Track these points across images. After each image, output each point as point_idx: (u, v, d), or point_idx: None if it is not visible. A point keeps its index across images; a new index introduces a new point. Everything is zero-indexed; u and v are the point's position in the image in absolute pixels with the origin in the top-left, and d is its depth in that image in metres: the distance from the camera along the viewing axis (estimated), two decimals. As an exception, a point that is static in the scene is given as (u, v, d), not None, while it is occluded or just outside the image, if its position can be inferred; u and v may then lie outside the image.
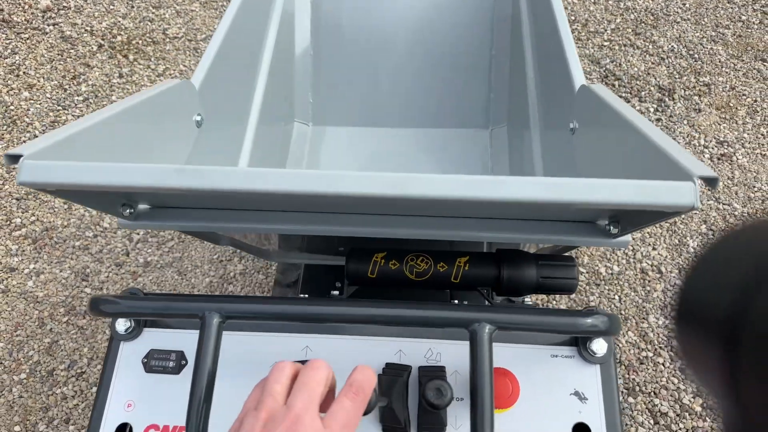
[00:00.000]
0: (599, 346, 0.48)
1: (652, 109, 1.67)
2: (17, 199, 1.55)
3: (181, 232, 0.62)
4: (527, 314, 0.43)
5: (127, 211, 0.52)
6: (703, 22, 1.87)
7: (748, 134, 1.59)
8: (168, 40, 1.90)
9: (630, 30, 1.87)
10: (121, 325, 0.50)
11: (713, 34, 1.83)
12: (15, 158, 0.39)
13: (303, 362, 0.39)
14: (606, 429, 0.46)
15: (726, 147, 1.58)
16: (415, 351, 0.50)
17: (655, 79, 1.73)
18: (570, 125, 0.65)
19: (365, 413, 0.37)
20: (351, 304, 0.44)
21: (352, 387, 0.37)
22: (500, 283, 0.57)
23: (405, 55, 1.14)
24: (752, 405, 0.19)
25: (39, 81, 1.78)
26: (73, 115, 1.73)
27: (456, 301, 0.69)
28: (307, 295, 0.76)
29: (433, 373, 0.48)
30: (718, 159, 1.57)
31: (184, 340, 0.51)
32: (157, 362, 0.49)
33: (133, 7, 1.98)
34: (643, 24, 1.88)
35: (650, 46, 1.81)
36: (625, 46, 1.83)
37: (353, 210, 0.55)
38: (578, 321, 0.42)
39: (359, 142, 1.15)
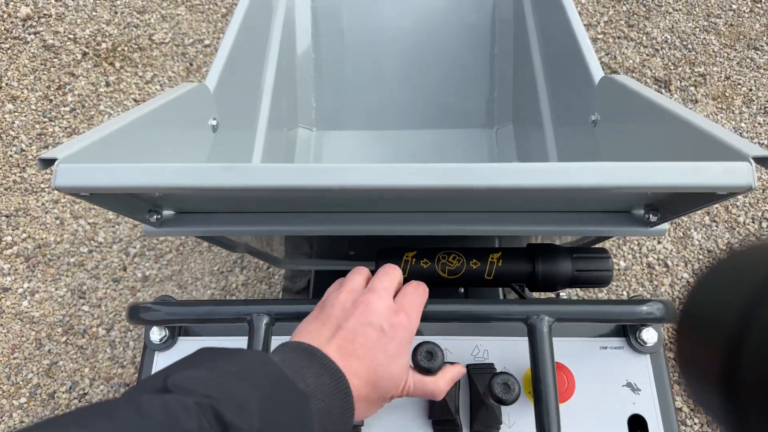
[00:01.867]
0: (649, 335, 0.48)
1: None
2: (6, 216, 1.51)
3: (200, 238, 0.60)
4: (584, 305, 0.42)
5: (154, 217, 0.50)
6: (694, 12, 1.90)
7: (745, 123, 1.62)
8: (154, 45, 1.87)
9: (623, 22, 1.89)
10: (156, 334, 0.48)
11: (705, 24, 1.86)
12: (49, 162, 0.38)
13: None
14: (661, 419, 0.45)
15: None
16: (461, 349, 0.49)
17: (651, 71, 1.75)
18: (591, 117, 0.65)
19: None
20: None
21: (412, 282, 0.44)
22: (535, 277, 0.56)
23: (406, 57, 1.14)
24: (754, 424, 0.19)
25: (23, 92, 1.74)
26: (60, 127, 1.69)
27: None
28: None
29: (484, 370, 0.47)
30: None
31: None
32: (195, 372, 0.48)
33: (116, 12, 1.94)
34: (635, 15, 1.91)
35: (644, 38, 1.84)
36: (618, 38, 1.85)
37: (382, 208, 0.54)
38: (635, 309, 0.42)
39: (363, 145, 1.15)
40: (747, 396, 0.19)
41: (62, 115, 1.71)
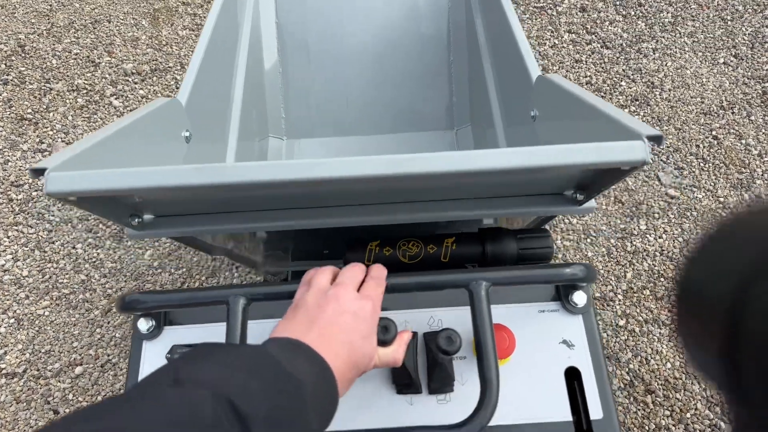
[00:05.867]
0: (580, 298, 0.55)
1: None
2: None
3: (180, 241, 0.65)
4: (516, 270, 0.48)
5: (136, 220, 0.55)
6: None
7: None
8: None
9: None
10: (143, 324, 0.53)
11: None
12: (40, 172, 0.42)
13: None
14: (593, 370, 0.52)
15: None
16: (418, 320, 0.55)
17: None
18: (531, 113, 0.72)
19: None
20: (362, 279, 0.48)
21: (372, 277, 0.50)
22: (485, 258, 0.62)
23: (369, 66, 1.20)
24: (755, 394, 0.19)
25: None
26: None
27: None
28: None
29: (436, 335, 0.53)
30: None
31: (204, 333, 0.54)
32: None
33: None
34: None
35: None
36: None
37: (349, 201, 0.59)
38: (560, 271, 0.48)
39: (332, 151, 1.20)
40: (746, 370, 0.19)
41: None
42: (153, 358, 0.53)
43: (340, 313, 0.44)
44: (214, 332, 0.54)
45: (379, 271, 0.51)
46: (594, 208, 0.56)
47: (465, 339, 0.54)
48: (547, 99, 0.67)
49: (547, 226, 0.67)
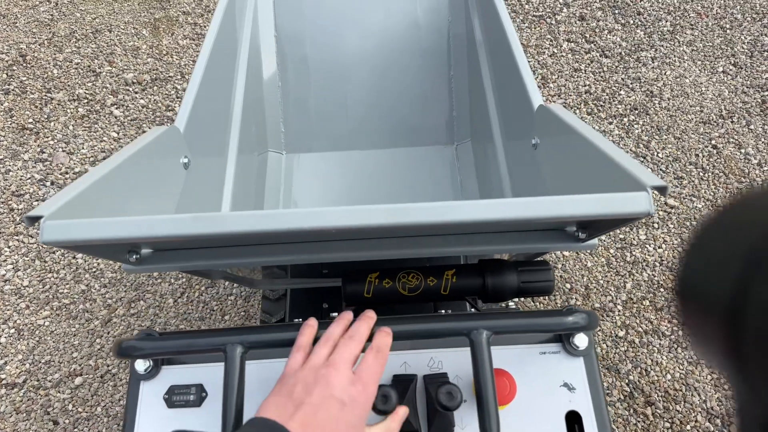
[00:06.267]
0: (581, 340, 0.54)
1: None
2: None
3: (179, 271, 0.65)
4: (517, 318, 0.48)
5: (134, 257, 0.54)
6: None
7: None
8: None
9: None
10: (141, 365, 0.53)
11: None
12: (35, 219, 0.42)
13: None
14: (594, 413, 0.52)
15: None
16: (418, 361, 0.55)
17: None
18: (532, 141, 0.72)
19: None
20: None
21: (373, 348, 0.48)
22: (485, 291, 0.62)
23: (369, 80, 1.20)
24: (760, 383, 0.19)
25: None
26: None
27: (443, 311, 0.74)
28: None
29: (437, 380, 0.52)
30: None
31: (202, 373, 0.54)
32: (179, 397, 0.52)
33: None
34: None
35: None
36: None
37: (342, 237, 0.59)
38: (562, 320, 0.48)
39: (332, 166, 1.20)
40: (752, 364, 0.19)
41: None
42: (151, 398, 0.53)
43: (327, 397, 0.42)
44: (209, 372, 0.53)
45: (382, 339, 0.49)
46: (596, 245, 0.56)
47: (467, 383, 0.54)
48: (549, 130, 0.67)
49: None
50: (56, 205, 0.44)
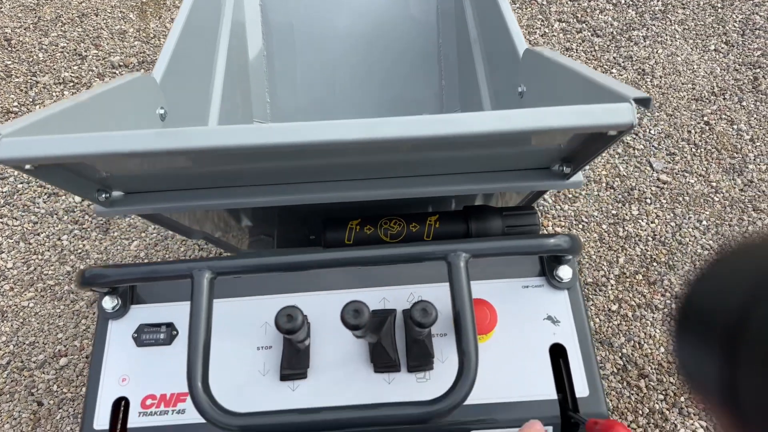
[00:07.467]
0: (565, 272, 0.53)
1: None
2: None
3: (155, 222, 0.62)
4: (497, 241, 0.46)
5: (103, 196, 0.52)
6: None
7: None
8: None
9: None
10: (108, 302, 0.50)
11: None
12: (-8, 138, 0.40)
13: None
14: (579, 347, 0.50)
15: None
16: (397, 297, 0.53)
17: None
18: (518, 89, 0.70)
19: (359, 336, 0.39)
20: (335, 251, 0.46)
21: None
22: (469, 236, 0.61)
23: (357, 49, 1.18)
24: (752, 412, 0.19)
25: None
26: None
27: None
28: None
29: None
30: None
31: (172, 312, 0.52)
32: (148, 336, 0.50)
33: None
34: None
35: None
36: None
37: (327, 177, 0.57)
38: (543, 242, 0.46)
39: (319, 137, 1.18)
40: (745, 387, 0.19)
41: None
42: (119, 338, 0.50)
43: None
44: (180, 310, 0.51)
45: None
46: (581, 182, 0.55)
47: (446, 316, 0.52)
48: (535, 72, 0.65)
49: (538, 212, 0.65)
50: (16, 126, 0.42)
